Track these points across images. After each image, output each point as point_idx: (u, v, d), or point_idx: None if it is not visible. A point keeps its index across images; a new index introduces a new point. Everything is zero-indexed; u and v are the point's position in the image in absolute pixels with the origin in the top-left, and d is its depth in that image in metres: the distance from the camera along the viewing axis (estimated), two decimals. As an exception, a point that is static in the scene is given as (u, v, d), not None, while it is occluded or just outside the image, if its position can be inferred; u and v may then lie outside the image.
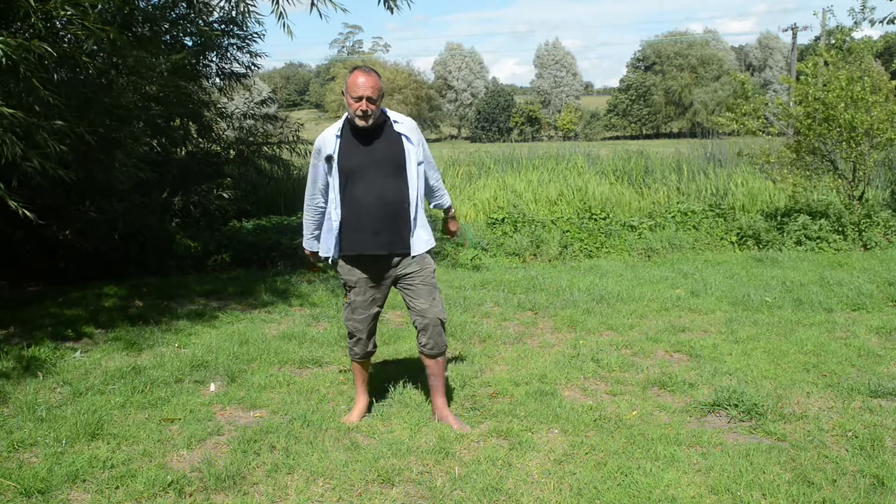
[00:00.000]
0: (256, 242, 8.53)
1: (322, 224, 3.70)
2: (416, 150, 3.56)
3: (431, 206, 3.93)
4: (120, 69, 5.88)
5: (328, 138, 3.56)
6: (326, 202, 3.64)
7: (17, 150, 4.52)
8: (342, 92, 3.48)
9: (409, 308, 3.68)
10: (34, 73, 4.67)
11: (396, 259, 3.57)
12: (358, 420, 3.69)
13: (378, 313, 3.73)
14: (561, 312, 5.87)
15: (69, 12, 4.75)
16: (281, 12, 7.46)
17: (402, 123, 3.58)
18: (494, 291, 6.77)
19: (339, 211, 3.54)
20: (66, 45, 5.27)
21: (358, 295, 3.63)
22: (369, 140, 3.50)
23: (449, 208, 3.97)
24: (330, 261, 3.71)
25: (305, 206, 3.75)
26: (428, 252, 3.62)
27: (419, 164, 3.57)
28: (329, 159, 3.52)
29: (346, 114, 3.56)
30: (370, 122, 3.44)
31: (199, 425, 3.65)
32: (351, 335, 3.72)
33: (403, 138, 3.53)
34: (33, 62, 4.58)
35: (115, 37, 5.01)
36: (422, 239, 3.58)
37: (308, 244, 3.84)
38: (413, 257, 3.57)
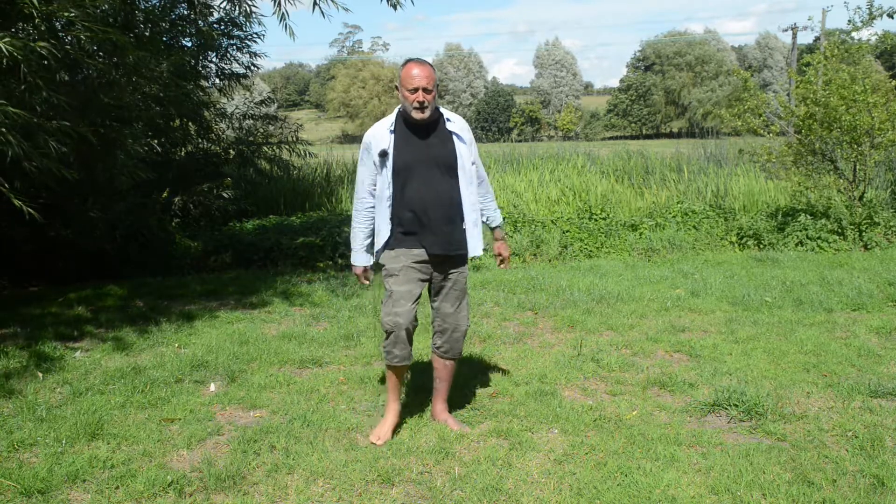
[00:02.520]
0: (256, 242, 8.53)
1: (371, 232, 3.49)
2: (468, 149, 3.45)
3: (484, 222, 3.68)
4: (120, 70, 5.89)
5: (380, 133, 3.40)
6: (375, 204, 3.45)
7: (20, 150, 4.53)
8: (395, 86, 3.38)
9: (432, 307, 3.57)
10: (36, 74, 4.68)
11: (444, 259, 3.44)
12: (389, 437, 3.42)
13: (416, 311, 3.43)
14: (561, 312, 5.87)
15: (72, 14, 4.76)
16: (283, 14, 7.47)
17: (455, 122, 3.46)
18: (494, 291, 6.77)
19: (391, 209, 3.38)
20: (67, 47, 5.28)
21: (400, 284, 3.37)
22: (425, 135, 3.37)
23: (499, 226, 3.73)
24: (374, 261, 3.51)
25: (355, 212, 3.52)
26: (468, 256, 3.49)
27: (472, 164, 3.46)
28: (384, 154, 3.35)
29: (397, 109, 3.45)
30: (427, 113, 3.31)
31: (199, 425, 3.65)
32: (388, 333, 3.40)
33: (456, 137, 3.43)
34: (35, 62, 4.59)
35: (117, 38, 5.02)
36: (476, 240, 3.45)
37: (359, 259, 3.54)
38: (458, 259, 3.45)
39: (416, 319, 3.43)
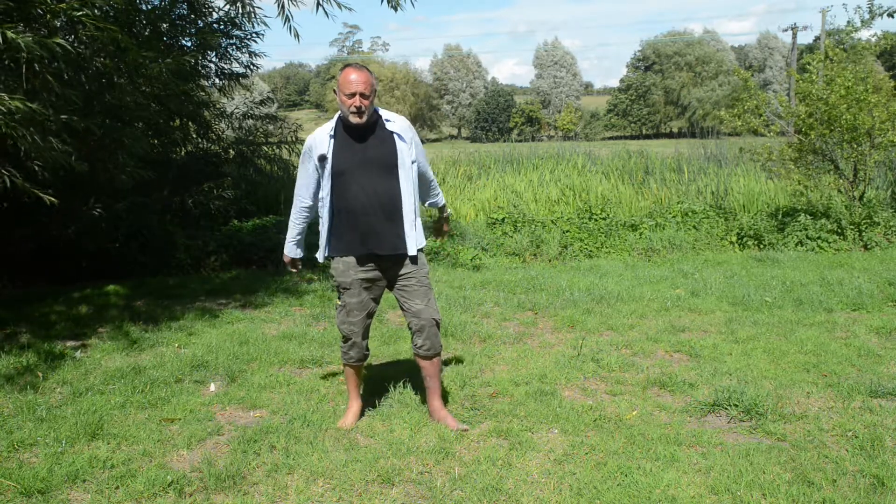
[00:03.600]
0: (256, 242, 8.53)
1: (305, 228, 3.73)
2: (409, 148, 3.52)
3: (426, 205, 3.90)
4: (122, 69, 5.90)
5: (321, 137, 3.52)
6: (314, 204, 3.63)
7: (33, 145, 4.56)
8: (334, 90, 3.46)
9: (403, 310, 3.65)
10: (46, 70, 4.73)
11: (391, 260, 3.54)
12: (353, 424, 3.64)
13: (371, 317, 3.69)
14: (561, 312, 5.87)
15: (83, 12, 4.79)
16: (287, 16, 7.48)
17: (395, 122, 3.54)
18: (494, 291, 6.77)
19: (331, 212, 3.52)
20: (76, 45, 5.32)
21: (352, 297, 3.58)
22: (362, 139, 3.47)
23: (443, 207, 3.97)
24: (321, 260, 3.71)
25: (293, 209, 3.73)
26: (420, 251, 3.59)
27: (413, 162, 3.54)
28: (322, 159, 3.48)
29: (337, 113, 3.55)
30: (364, 118, 3.41)
31: (199, 425, 3.65)
32: (346, 339, 3.67)
33: (396, 137, 3.50)
34: (46, 59, 4.64)
35: (121, 39, 5.04)
36: (415, 238, 3.54)
37: (290, 249, 3.79)
38: (407, 257, 3.54)
39: (369, 325, 3.70)
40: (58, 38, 4.54)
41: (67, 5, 4.74)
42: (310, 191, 3.62)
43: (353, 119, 3.41)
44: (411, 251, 3.52)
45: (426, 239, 3.78)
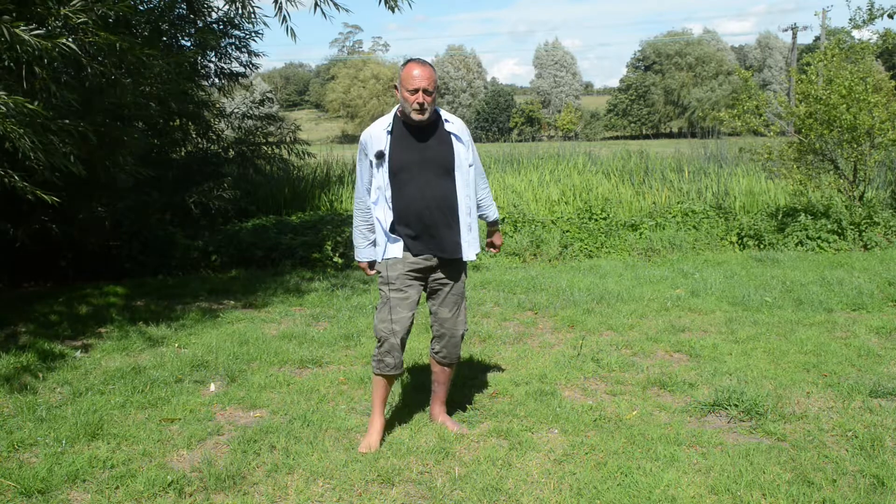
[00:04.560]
0: (256, 242, 8.53)
1: (373, 230, 3.45)
2: (466, 151, 3.40)
3: (481, 218, 3.66)
4: (122, 70, 5.89)
5: (377, 134, 3.36)
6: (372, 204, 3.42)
7: (31, 146, 4.55)
8: (394, 86, 3.35)
9: (430, 312, 3.54)
10: (46, 72, 4.72)
11: (441, 263, 3.41)
12: (379, 444, 3.36)
13: (412, 319, 3.43)
14: (561, 312, 5.87)
15: (81, 19, 4.79)
16: (285, 16, 7.49)
17: (454, 123, 3.42)
18: (494, 291, 6.77)
19: (387, 211, 3.35)
20: (75, 48, 5.31)
21: (397, 292, 3.36)
22: (422, 137, 3.34)
23: (495, 221, 3.74)
24: (380, 260, 3.45)
25: (356, 210, 3.50)
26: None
27: (470, 165, 3.42)
28: (380, 156, 3.31)
29: (394, 109, 3.41)
30: (427, 115, 3.27)
31: (199, 425, 3.65)
32: (382, 342, 3.37)
33: (454, 138, 3.38)
34: (47, 59, 4.62)
35: (121, 43, 5.03)
36: (469, 244, 3.41)
37: (363, 254, 3.51)
38: (455, 262, 3.42)
39: (410, 329, 3.42)
40: (62, 39, 4.52)
41: (69, 9, 4.74)
42: (368, 190, 3.42)
43: (416, 116, 3.27)
44: (467, 256, 3.40)
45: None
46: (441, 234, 3.35)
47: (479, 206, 3.59)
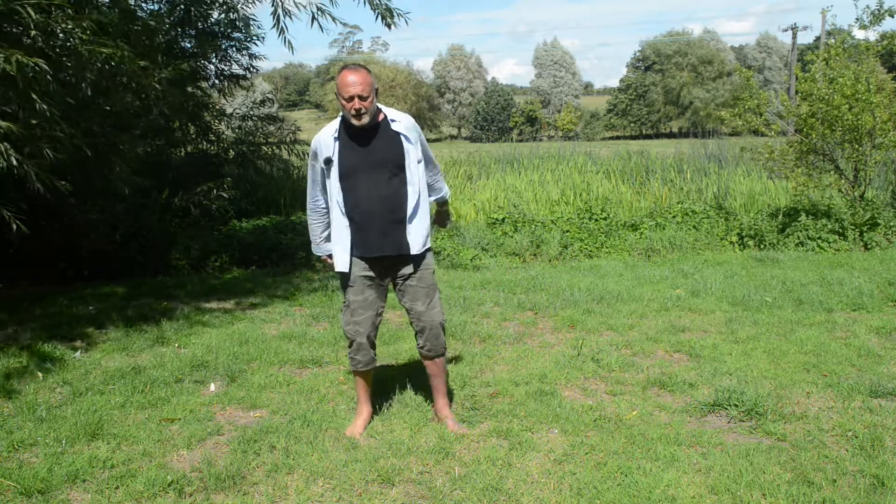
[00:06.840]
0: (256, 242, 8.53)
1: (328, 225, 3.60)
2: (414, 148, 3.47)
3: (432, 200, 3.79)
4: (118, 78, 5.86)
5: (325, 140, 3.46)
6: (328, 202, 3.56)
7: (12, 160, 4.52)
8: (335, 94, 3.41)
9: (406, 310, 3.62)
10: (30, 85, 4.66)
11: (396, 260, 3.50)
12: (363, 431, 3.56)
13: (379, 317, 3.61)
14: (561, 312, 5.87)
15: (69, 26, 4.76)
16: (282, 27, 7.53)
17: (400, 122, 3.48)
18: (494, 291, 6.77)
19: (339, 213, 3.46)
20: (65, 59, 5.26)
21: (356, 294, 3.52)
22: (367, 140, 3.41)
23: (444, 201, 3.88)
24: (338, 268, 3.57)
25: (309, 210, 3.65)
26: (428, 251, 3.55)
27: (419, 162, 3.49)
28: (328, 162, 3.43)
29: (340, 114, 3.48)
30: (365, 120, 3.34)
31: (199, 425, 3.65)
32: (351, 342, 3.58)
33: (402, 137, 3.44)
34: (30, 75, 4.58)
35: (110, 53, 5.00)
36: (420, 238, 3.49)
37: (319, 249, 3.72)
38: (412, 257, 3.50)
39: (376, 327, 3.59)
40: (36, 59, 4.46)
41: (54, 19, 4.69)
42: (320, 191, 3.57)
43: (355, 122, 3.34)
44: (415, 250, 3.48)
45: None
46: (391, 232, 3.43)
47: (433, 190, 3.71)
